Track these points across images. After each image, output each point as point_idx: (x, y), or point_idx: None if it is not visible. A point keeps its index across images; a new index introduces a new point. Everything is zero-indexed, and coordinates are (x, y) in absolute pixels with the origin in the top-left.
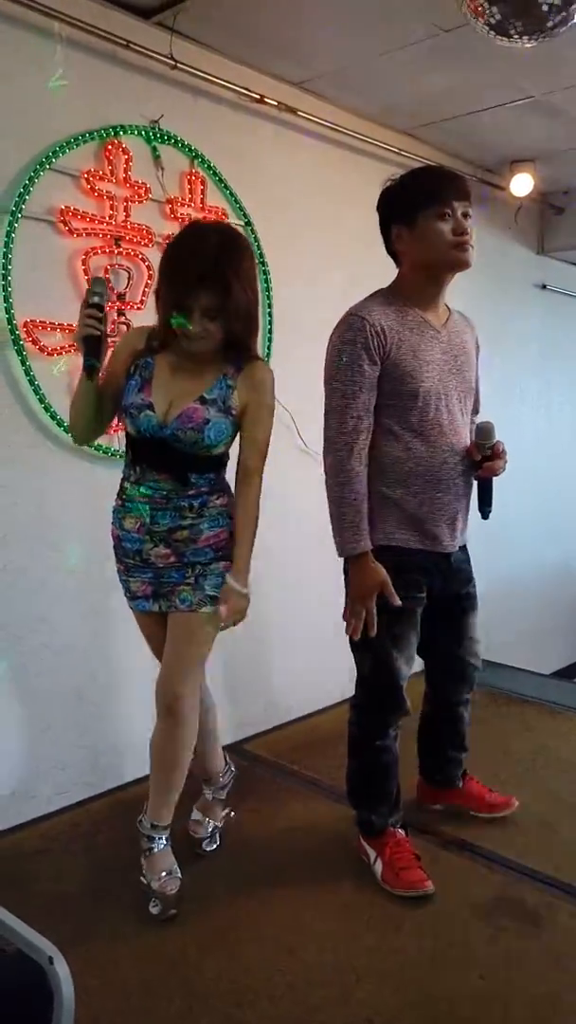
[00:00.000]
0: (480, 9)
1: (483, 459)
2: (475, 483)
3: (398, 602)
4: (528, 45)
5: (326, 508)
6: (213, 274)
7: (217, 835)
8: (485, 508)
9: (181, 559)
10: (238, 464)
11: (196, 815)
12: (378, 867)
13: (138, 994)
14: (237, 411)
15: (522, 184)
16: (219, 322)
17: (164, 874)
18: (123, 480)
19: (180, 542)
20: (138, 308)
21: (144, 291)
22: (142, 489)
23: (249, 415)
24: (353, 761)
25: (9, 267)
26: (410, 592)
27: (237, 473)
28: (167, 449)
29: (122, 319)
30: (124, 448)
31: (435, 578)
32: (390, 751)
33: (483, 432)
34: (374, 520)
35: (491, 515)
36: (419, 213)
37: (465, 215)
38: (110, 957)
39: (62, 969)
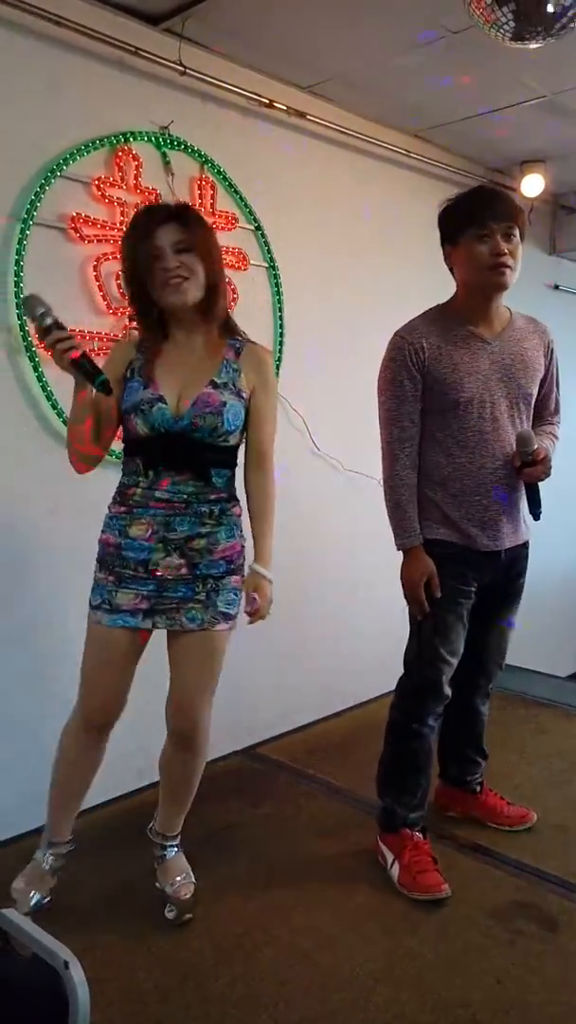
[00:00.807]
0: (488, 11)
1: (523, 464)
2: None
3: (438, 593)
4: (535, 46)
5: (340, 512)
6: (175, 213)
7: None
8: (535, 510)
9: (193, 571)
10: (248, 452)
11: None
12: (395, 870)
13: (154, 1000)
14: (247, 394)
15: (533, 185)
16: (194, 255)
17: (179, 878)
18: (126, 487)
19: (196, 552)
20: None
21: None
22: (158, 494)
23: (256, 398)
24: (388, 745)
25: (21, 274)
26: (455, 584)
27: (249, 461)
28: (185, 443)
29: (132, 325)
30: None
31: (484, 573)
32: (426, 740)
33: (522, 439)
34: (421, 517)
35: (539, 517)
36: (461, 234)
37: (508, 236)
38: (126, 962)
39: (77, 974)
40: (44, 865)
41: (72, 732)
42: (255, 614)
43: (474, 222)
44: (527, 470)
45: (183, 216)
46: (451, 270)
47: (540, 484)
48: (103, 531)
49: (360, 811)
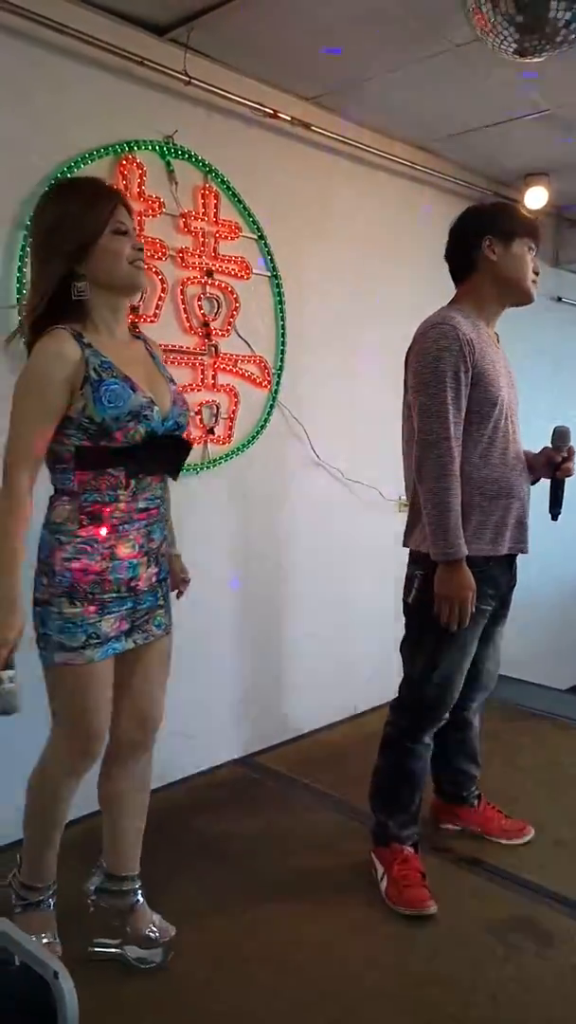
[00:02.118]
0: (491, 25)
1: (562, 460)
2: (543, 484)
3: (471, 610)
4: (539, 60)
5: (339, 521)
6: (124, 200)
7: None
8: (556, 509)
9: (159, 576)
10: None
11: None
12: (384, 883)
13: (144, 1012)
14: None
15: (536, 197)
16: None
17: (155, 917)
18: (100, 504)
19: (162, 556)
20: (151, 321)
21: (158, 304)
22: (140, 504)
23: None
24: (382, 761)
25: (24, 281)
26: (480, 604)
27: None
28: (167, 444)
29: (136, 331)
30: (74, 472)
31: (500, 587)
32: (420, 758)
33: (561, 435)
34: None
35: (557, 517)
36: (519, 236)
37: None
38: (116, 974)
39: (66, 984)
40: (50, 909)
41: (63, 773)
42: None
43: (530, 235)
44: (565, 465)
45: (130, 209)
46: (467, 265)
47: (559, 491)
48: (71, 559)
49: (356, 822)
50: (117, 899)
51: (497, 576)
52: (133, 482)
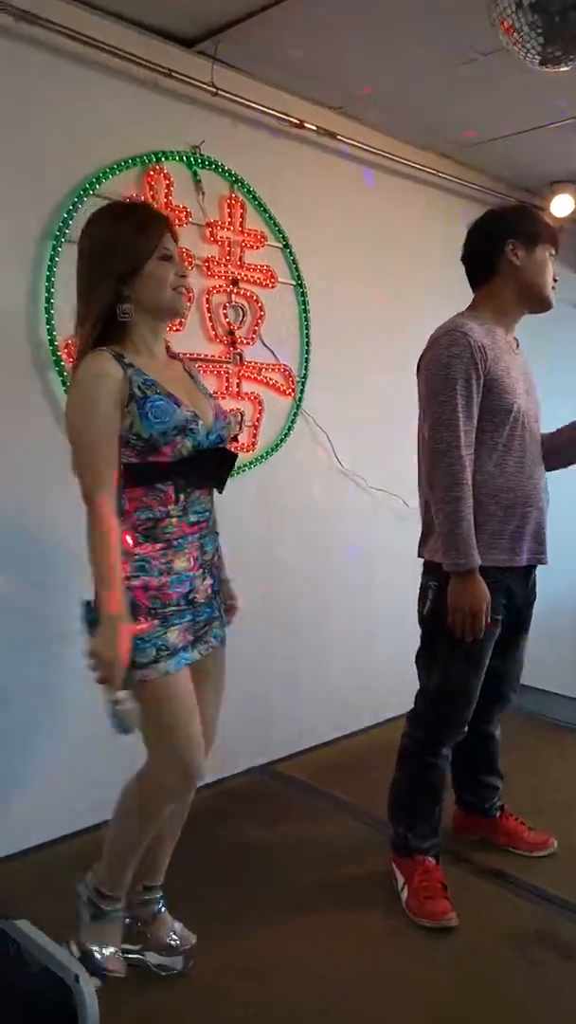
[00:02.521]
0: (516, 34)
1: None
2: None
3: (486, 620)
4: (565, 68)
5: (363, 530)
6: (171, 226)
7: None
8: None
9: (214, 587)
10: None
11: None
12: (405, 894)
13: (165, 1019)
14: None
15: (563, 205)
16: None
17: (176, 924)
18: (155, 520)
19: (216, 568)
20: (177, 330)
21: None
22: (191, 518)
23: None
24: (400, 775)
25: (52, 289)
26: (495, 615)
27: None
28: (212, 457)
29: (171, 352)
30: (124, 490)
31: (515, 598)
32: (439, 771)
33: None
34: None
35: None
36: (541, 241)
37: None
38: (137, 981)
39: (87, 987)
40: (119, 915)
41: (163, 797)
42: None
43: (552, 241)
44: None
45: (175, 232)
46: (491, 268)
47: None
48: (130, 578)
49: (377, 832)
50: (140, 908)
51: (512, 587)
52: (182, 496)
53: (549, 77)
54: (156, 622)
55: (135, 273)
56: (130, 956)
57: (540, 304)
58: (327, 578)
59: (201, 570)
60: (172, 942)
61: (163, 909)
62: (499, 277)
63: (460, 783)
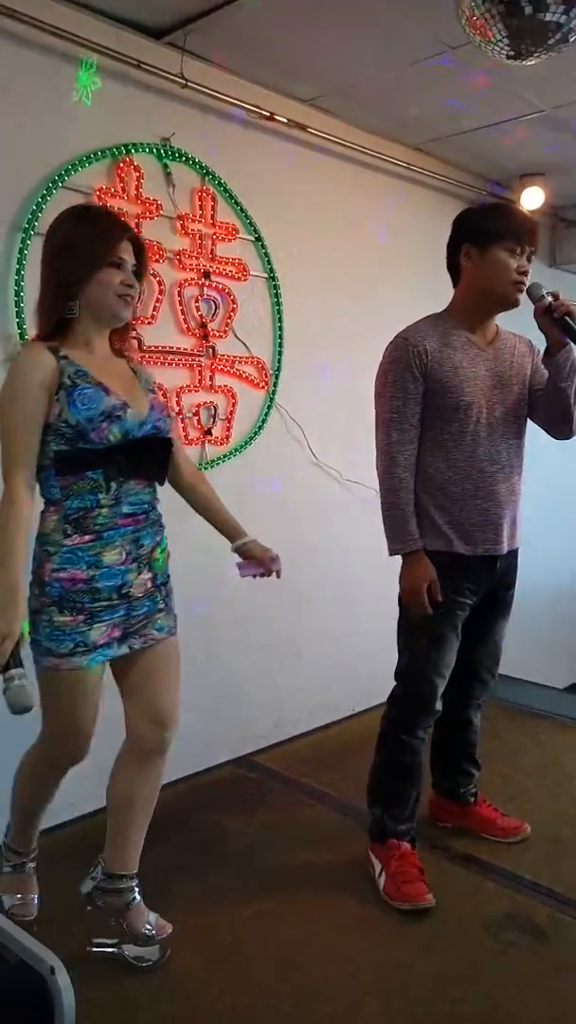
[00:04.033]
0: (483, 29)
1: (550, 307)
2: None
3: (439, 598)
4: (532, 63)
5: (338, 521)
6: (133, 235)
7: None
8: None
9: (155, 582)
10: (184, 466)
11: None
12: (382, 880)
13: (143, 1009)
14: None
15: (533, 198)
16: (141, 283)
17: (151, 915)
18: (84, 511)
19: (156, 561)
20: (149, 323)
21: (155, 306)
22: (124, 509)
23: None
24: (378, 755)
25: (22, 283)
26: (453, 594)
27: (188, 475)
28: (146, 448)
29: (133, 334)
30: (55, 478)
31: (480, 583)
32: (414, 752)
33: (531, 291)
34: (421, 524)
35: None
36: (494, 240)
37: (528, 260)
38: (115, 971)
39: (63, 979)
40: (29, 869)
41: (48, 767)
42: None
43: (511, 236)
44: (557, 305)
45: (138, 243)
46: (455, 270)
47: (573, 326)
48: (58, 569)
49: (354, 821)
50: (114, 897)
51: (476, 570)
52: (114, 485)
53: (518, 70)
54: (81, 617)
55: (85, 277)
56: (107, 950)
57: (502, 303)
58: (302, 570)
59: (136, 564)
60: (147, 931)
61: (137, 899)
62: (461, 279)
63: (438, 768)
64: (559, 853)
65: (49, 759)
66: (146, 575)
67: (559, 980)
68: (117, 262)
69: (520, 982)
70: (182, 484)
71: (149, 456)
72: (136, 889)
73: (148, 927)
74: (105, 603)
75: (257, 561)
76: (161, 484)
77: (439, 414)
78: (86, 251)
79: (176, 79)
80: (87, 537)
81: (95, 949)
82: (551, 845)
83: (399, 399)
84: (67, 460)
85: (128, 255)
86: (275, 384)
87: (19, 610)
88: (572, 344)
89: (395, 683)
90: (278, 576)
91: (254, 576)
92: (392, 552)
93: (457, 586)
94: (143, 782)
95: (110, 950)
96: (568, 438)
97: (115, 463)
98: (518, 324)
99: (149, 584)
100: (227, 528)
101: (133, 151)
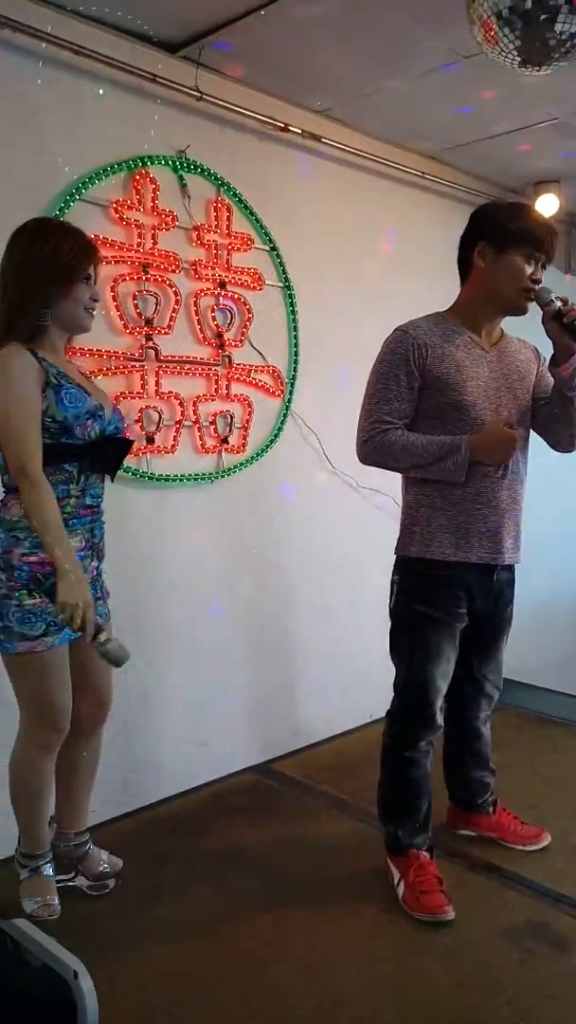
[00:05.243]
0: (494, 38)
1: (559, 312)
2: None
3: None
4: (544, 71)
5: (355, 529)
6: (97, 260)
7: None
8: None
9: (98, 570)
10: None
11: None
12: (401, 889)
13: (163, 1013)
14: None
15: (547, 204)
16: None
17: (104, 854)
18: (57, 501)
19: (101, 551)
20: (165, 333)
21: (172, 316)
22: (87, 500)
23: None
24: (383, 772)
25: None
26: (450, 607)
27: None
28: (109, 447)
29: (150, 344)
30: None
31: (476, 596)
32: (419, 766)
33: (540, 295)
34: (416, 529)
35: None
36: (513, 243)
37: (542, 268)
38: (136, 976)
39: (86, 983)
40: (45, 870)
41: (39, 749)
42: None
43: (530, 243)
44: (567, 310)
45: (98, 261)
46: (464, 266)
47: None
48: (28, 553)
49: (373, 828)
50: (74, 850)
51: (471, 583)
52: (83, 478)
53: (531, 78)
54: (48, 599)
55: (64, 291)
56: (67, 884)
57: (509, 309)
58: (318, 578)
59: (90, 551)
60: (103, 868)
61: (91, 847)
62: (470, 278)
63: (451, 780)
64: None
65: (38, 744)
66: (94, 563)
67: None
68: (88, 277)
69: (540, 991)
70: None
71: (113, 453)
72: (89, 839)
73: (104, 865)
74: None
75: None
76: (112, 480)
77: (439, 413)
78: (70, 265)
79: (191, 92)
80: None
81: (57, 885)
82: (572, 853)
83: (388, 391)
84: (51, 453)
85: (95, 271)
86: (291, 392)
87: (85, 581)
88: None
89: (394, 699)
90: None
91: None
92: (457, 475)
93: (454, 597)
94: (88, 752)
95: (70, 884)
96: (570, 451)
97: (89, 457)
98: (525, 330)
99: (95, 571)
100: None
101: (149, 163)
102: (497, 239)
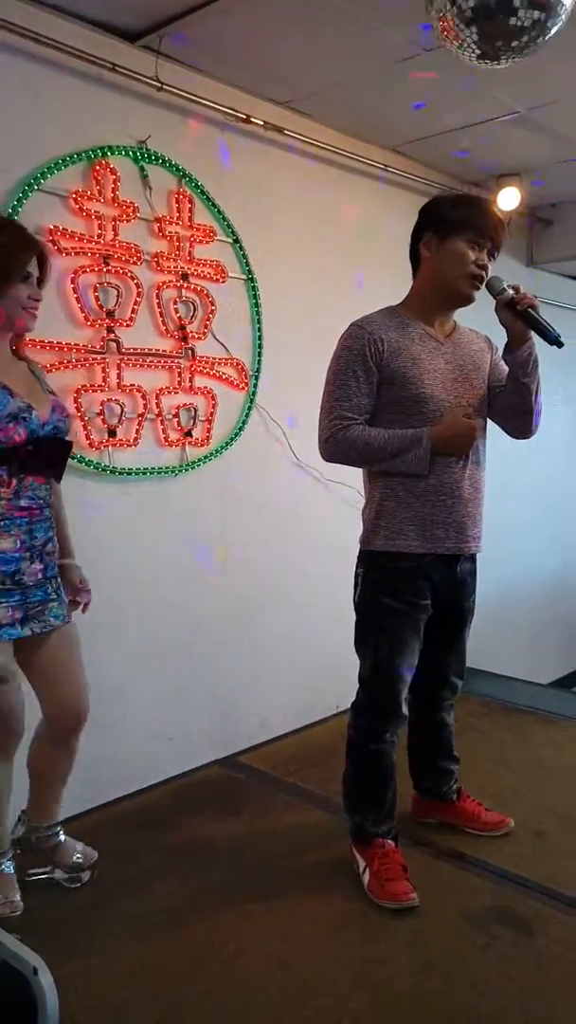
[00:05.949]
0: (453, 32)
1: (512, 301)
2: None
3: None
4: (503, 65)
5: (320, 522)
6: (41, 252)
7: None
8: (550, 335)
9: (46, 573)
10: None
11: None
12: (366, 877)
13: (130, 1008)
14: None
15: (509, 198)
16: (41, 293)
17: (79, 845)
18: None
19: (49, 555)
20: (127, 325)
21: (133, 308)
22: (22, 502)
23: None
24: (349, 764)
25: None
26: (415, 599)
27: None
28: (52, 447)
29: (112, 336)
30: None
31: (440, 586)
32: (385, 756)
33: (491, 285)
34: (381, 523)
35: (562, 342)
36: (454, 230)
37: (491, 256)
38: (102, 970)
39: (46, 979)
40: (9, 871)
41: None
42: (88, 603)
43: (473, 228)
44: (519, 299)
45: (43, 259)
46: (415, 260)
47: (538, 319)
48: None
49: (339, 819)
50: (46, 841)
51: (433, 574)
52: (15, 481)
53: (493, 72)
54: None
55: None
56: (41, 876)
57: (456, 297)
58: (284, 570)
59: (29, 554)
60: (77, 860)
61: (63, 838)
62: (420, 270)
63: (416, 770)
64: (543, 846)
65: None
66: (38, 566)
67: (543, 972)
68: (26, 275)
69: (505, 975)
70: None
71: (49, 455)
72: (60, 831)
73: (78, 856)
74: (0, 586)
75: (70, 586)
76: (58, 481)
77: (400, 407)
78: (9, 264)
79: (152, 82)
80: None
81: (31, 879)
82: (535, 839)
83: (347, 387)
84: None
85: (34, 268)
86: (255, 385)
87: None
88: (535, 337)
89: (359, 690)
90: (83, 610)
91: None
92: (420, 467)
93: (419, 589)
94: (63, 756)
95: (44, 876)
96: (527, 436)
97: (17, 459)
98: (476, 320)
99: (40, 575)
100: (60, 543)
101: (109, 154)
102: (440, 227)
